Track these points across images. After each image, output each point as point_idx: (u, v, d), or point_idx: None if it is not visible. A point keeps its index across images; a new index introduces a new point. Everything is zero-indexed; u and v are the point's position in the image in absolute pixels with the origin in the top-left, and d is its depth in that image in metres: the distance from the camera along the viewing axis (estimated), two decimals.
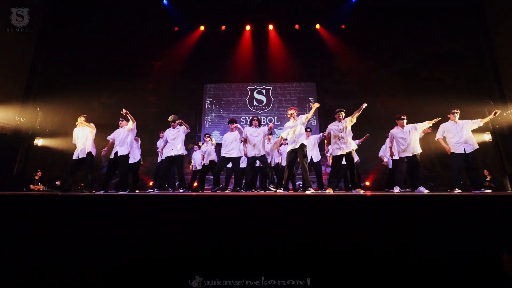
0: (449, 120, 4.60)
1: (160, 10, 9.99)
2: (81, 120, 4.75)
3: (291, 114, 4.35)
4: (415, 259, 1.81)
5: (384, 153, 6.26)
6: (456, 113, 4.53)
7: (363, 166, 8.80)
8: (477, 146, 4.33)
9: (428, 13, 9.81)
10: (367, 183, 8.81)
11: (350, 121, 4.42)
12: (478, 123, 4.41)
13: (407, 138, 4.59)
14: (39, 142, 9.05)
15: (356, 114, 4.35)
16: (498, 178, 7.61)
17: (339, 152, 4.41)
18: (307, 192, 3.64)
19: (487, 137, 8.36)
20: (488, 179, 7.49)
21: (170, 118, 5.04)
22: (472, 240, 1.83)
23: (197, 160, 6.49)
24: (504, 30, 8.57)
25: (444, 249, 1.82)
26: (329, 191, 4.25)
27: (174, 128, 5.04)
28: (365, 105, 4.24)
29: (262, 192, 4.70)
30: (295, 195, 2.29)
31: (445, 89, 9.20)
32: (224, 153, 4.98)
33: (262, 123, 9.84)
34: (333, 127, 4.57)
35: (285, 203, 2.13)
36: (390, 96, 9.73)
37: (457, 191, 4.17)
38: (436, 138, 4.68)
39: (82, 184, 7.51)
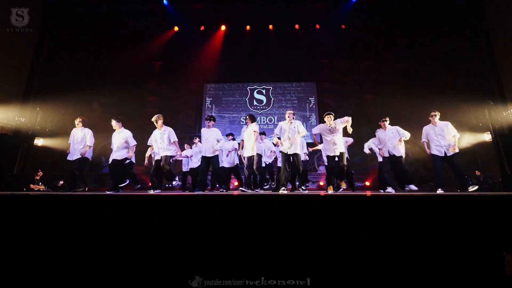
0: (430, 123, 4.51)
1: (160, 10, 9.99)
2: (78, 121, 4.90)
3: (289, 116, 4.35)
4: (415, 259, 1.81)
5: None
6: (435, 115, 4.38)
7: (363, 166, 8.82)
8: (457, 150, 4.19)
9: (427, 13, 9.81)
10: (367, 183, 8.81)
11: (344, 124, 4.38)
12: (456, 133, 4.24)
13: (385, 139, 4.66)
14: (39, 142, 9.05)
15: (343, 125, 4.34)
16: (497, 178, 7.61)
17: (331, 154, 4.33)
18: (280, 191, 3.88)
19: (487, 137, 8.35)
20: (481, 180, 7.49)
21: (153, 119, 4.66)
22: (472, 240, 1.84)
23: (184, 160, 6.64)
24: (504, 29, 8.57)
25: (444, 249, 1.83)
26: (330, 190, 4.27)
27: (160, 128, 4.74)
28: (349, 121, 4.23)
29: (262, 192, 4.70)
30: (295, 195, 2.29)
31: (445, 88, 9.21)
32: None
33: (261, 122, 9.85)
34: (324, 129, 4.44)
35: (285, 203, 2.13)
36: (390, 96, 9.73)
37: (440, 191, 4.08)
38: (422, 141, 4.64)
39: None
